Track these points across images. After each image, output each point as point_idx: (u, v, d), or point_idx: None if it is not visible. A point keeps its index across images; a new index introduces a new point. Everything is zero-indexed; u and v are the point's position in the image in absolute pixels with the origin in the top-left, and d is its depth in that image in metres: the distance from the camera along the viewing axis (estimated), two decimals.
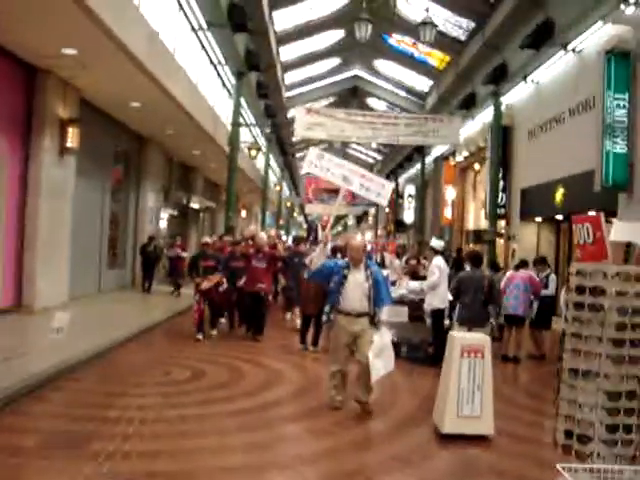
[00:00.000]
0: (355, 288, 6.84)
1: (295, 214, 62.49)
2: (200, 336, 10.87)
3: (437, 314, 9.94)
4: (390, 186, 8.01)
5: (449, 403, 6.12)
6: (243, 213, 41.22)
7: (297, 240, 14.89)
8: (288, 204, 49.82)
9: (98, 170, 15.83)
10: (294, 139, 28.41)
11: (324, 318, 7.17)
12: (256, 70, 18.14)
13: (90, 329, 10.36)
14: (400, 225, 37.51)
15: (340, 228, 67.88)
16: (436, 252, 10.27)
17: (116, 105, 14.43)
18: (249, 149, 21.21)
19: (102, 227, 16.54)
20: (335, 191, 37.41)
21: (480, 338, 6.38)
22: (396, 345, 8.86)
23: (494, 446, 5.97)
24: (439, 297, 9.86)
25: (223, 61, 18.90)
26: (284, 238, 37.82)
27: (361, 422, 6.67)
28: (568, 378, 3.66)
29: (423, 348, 10.45)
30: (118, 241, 18.35)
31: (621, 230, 6.39)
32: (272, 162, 39.64)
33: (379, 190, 7.64)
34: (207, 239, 12.10)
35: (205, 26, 15.67)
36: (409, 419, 6.87)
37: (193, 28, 15.62)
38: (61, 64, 10.94)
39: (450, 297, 9.79)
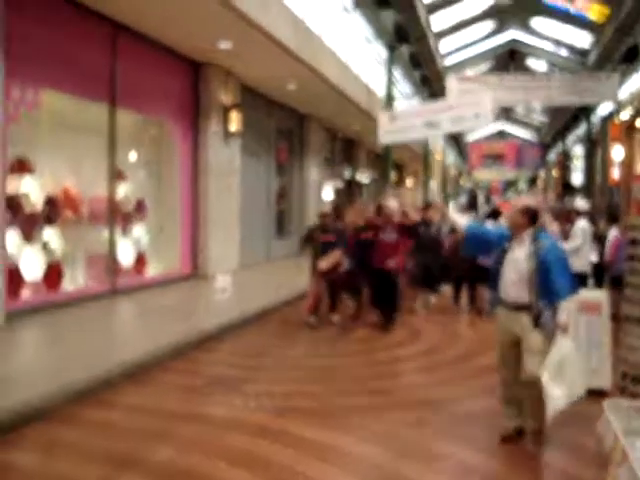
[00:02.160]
0: (510, 269, 4.88)
1: (462, 181, 61.72)
2: (312, 319, 9.35)
3: (579, 277, 9.96)
4: (487, 96, 6.36)
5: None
6: (409, 182, 41.73)
7: (425, 205, 12.55)
8: (453, 172, 49.48)
9: (262, 148, 17.15)
10: None
11: (487, 307, 5.76)
12: (406, 42, 18.54)
13: (254, 292, 11.61)
14: (568, 188, 36.11)
15: (510, 194, 66.18)
16: (579, 214, 10.25)
17: (274, 88, 15.57)
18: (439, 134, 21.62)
19: (269, 200, 17.89)
20: (499, 156, 36.65)
21: (597, 296, 6.55)
22: None
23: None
24: (582, 260, 9.86)
25: (373, 38, 19.49)
26: (452, 205, 37.68)
27: None
28: (624, 324, 4.00)
29: None
30: (285, 213, 19.70)
31: None
32: None
33: (475, 110, 6.21)
34: (326, 208, 10.68)
35: (351, 7, 16.38)
36: None
37: (341, 10, 16.37)
38: (219, 56, 12.21)
39: (594, 259, 9.75)
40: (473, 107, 6.07)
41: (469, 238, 5.40)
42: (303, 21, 13.21)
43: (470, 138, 51.37)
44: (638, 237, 3.94)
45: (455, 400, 6.14)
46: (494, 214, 11.06)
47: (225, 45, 11.35)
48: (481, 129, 52.32)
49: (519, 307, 4.82)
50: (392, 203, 9.88)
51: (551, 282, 4.60)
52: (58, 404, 5.53)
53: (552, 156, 44.58)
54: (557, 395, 4.38)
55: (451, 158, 49.47)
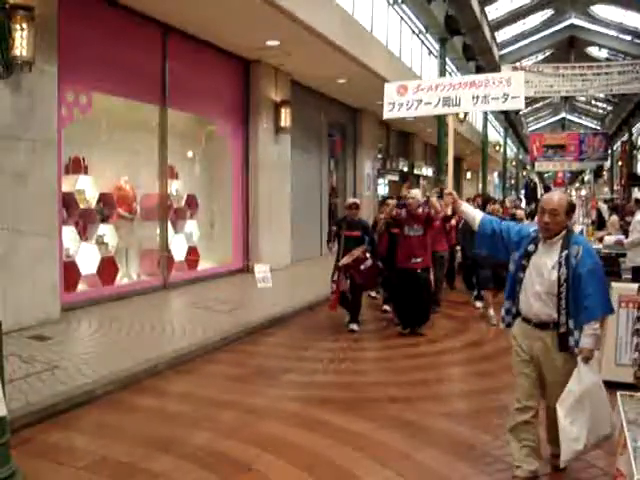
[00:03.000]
0: (535, 278, 4.07)
1: (525, 172, 60.59)
2: (355, 327, 8.79)
3: (638, 271, 9.70)
4: (519, 77, 5.35)
5: (607, 351, 6.36)
6: (468, 174, 41.36)
7: (485, 198, 12.45)
8: (514, 163, 48.68)
9: (314, 143, 17.31)
10: None
11: (503, 318, 4.40)
12: (458, 34, 18.40)
13: (303, 286, 11.81)
14: (635, 179, 34.97)
15: (578, 184, 64.62)
16: None
17: (324, 83, 15.71)
18: (456, 113, 21.43)
19: (321, 195, 18.06)
20: (560, 147, 35.90)
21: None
22: None
23: None
24: None
25: (424, 30, 19.42)
26: (512, 197, 37.01)
27: None
28: None
29: None
30: (338, 208, 19.84)
31: None
32: (494, 121, 39.15)
33: (504, 90, 5.11)
34: (353, 200, 9.36)
35: (399, 0, 16.38)
36: None
37: (389, 3, 16.38)
38: (268, 54, 12.42)
39: None
40: (502, 86, 5.13)
41: (483, 235, 4.51)
42: (351, 16, 13.31)
43: (531, 128, 50.49)
44: None
45: (491, 392, 6.19)
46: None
47: (273, 43, 11.56)
48: (544, 120, 51.64)
49: (543, 324, 4.04)
50: (415, 193, 8.96)
51: (584, 298, 3.82)
52: (108, 390, 5.89)
53: (617, 146, 43.38)
54: (575, 436, 3.70)
55: (512, 149, 48.74)
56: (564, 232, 4.01)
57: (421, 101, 5.32)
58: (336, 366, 7.08)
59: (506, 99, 5.12)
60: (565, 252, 3.93)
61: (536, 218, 4.27)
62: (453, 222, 10.80)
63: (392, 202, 9.27)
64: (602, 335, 4.44)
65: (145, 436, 4.94)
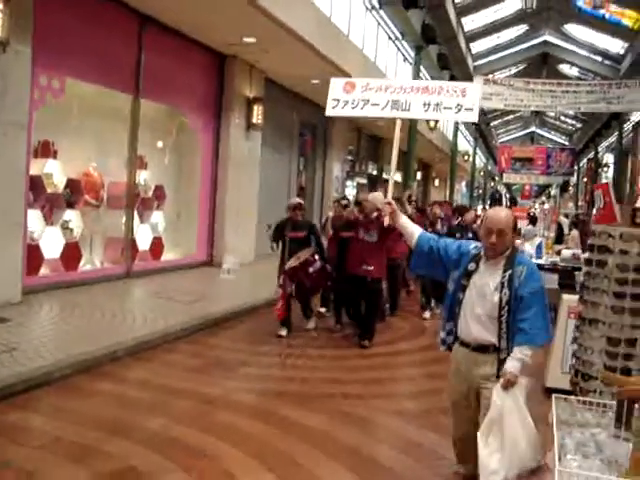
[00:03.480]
0: (475, 299, 3.75)
1: (493, 183, 61.43)
2: (284, 332, 8.25)
3: None
4: (475, 89, 4.92)
5: (554, 360, 6.64)
6: (436, 182, 41.83)
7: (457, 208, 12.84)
8: (482, 173, 49.36)
9: (284, 142, 17.42)
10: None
11: (439, 342, 4.10)
12: (434, 43, 18.65)
13: (265, 282, 11.90)
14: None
15: (544, 198, 65.71)
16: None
17: (298, 82, 15.82)
18: (427, 120, 21.75)
19: (289, 194, 18.13)
20: (528, 160, 36.46)
21: None
22: None
23: None
24: None
25: (400, 36, 19.68)
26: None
27: None
28: (580, 324, 4.28)
29: None
30: (306, 208, 19.94)
31: None
32: (465, 131, 39.67)
33: (459, 101, 4.66)
34: (297, 200, 9.03)
35: (377, 5, 16.60)
36: None
37: (367, 8, 16.60)
38: (244, 50, 12.52)
39: None
40: (457, 96, 4.63)
41: (420, 253, 4.05)
42: (328, 19, 13.46)
43: (501, 140, 51.25)
44: (594, 243, 4.20)
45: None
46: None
47: (250, 40, 11.66)
48: (514, 133, 52.45)
49: (482, 348, 3.70)
50: (373, 196, 8.28)
51: (523, 320, 3.54)
52: (66, 374, 5.96)
53: (583, 163, 44.29)
54: (493, 468, 3.37)
55: (481, 160, 49.43)
56: (508, 251, 3.72)
57: (368, 101, 4.80)
58: (292, 361, 7.24)
59: (459, 110, 4.69)
60: (509, 272, 3.62)
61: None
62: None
63: (344, 203, 9.70)
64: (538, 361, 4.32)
65: (101, 420, 5.03)
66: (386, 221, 4.23)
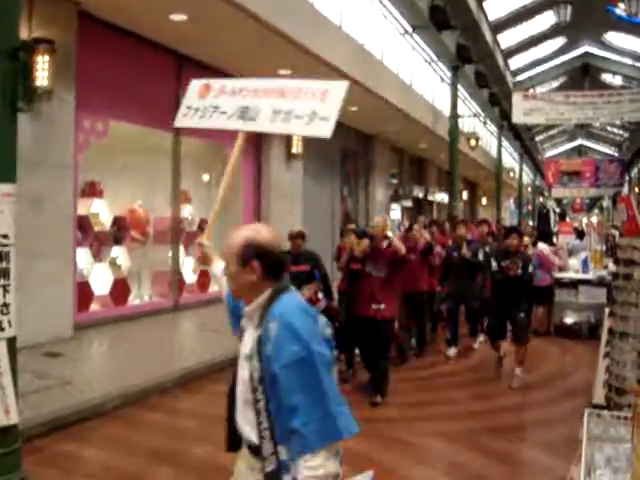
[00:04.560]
0: (238, 375, 2.39)
1: (542, 199, 60.55)
2: None
3: None
4: (339, 89, 3.55)
5: (599, 375, 6.51)
6: (484, 200, 41.41)
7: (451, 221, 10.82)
8: (529, 189, 48.66)
9: (326, 170, 17.56)
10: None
11: None
12: (469, 63, 18.68)
13: None
14: None
15: (597, 211, 64.38)
16: None
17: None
18: (467, 139, 21.73)
19: (333, 222, 18.25)
20: (576, 173, 35.88)
21: None
22: None
23: None
24: None
25: (436, 58, 19.76)
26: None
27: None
28: (611, 339, 4.23)
29: None
30: None
31: None
32: (509, 148, 39.34)
33: (314, 107, 3.36)
34: (297, 229, 7.91)
35: (410, 30, 16.73)
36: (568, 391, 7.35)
37: (400, 33, 16.73)
38: None
39: None
40: (315, 101, 3.32)
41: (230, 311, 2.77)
42: (362, 46, 13.65)
43: (548, 154, 50.59)
44: (621, 256, 4.16)
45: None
46: (543, 236, 11.08)
47: (285, 72, 11.89)
48: (561, 146, 51.76)
49: (253, 451, 2.32)
50: (378, 221, 7.26)
51: (296, 414, 2.09)
52: (117, 405, 6.15)
53: (635, 172, 43.34)
54: None
55: (529, 175, 48.82)
56: (264, 296, 2.32)
57: (217, 108, 3.60)
58: None
59: (312, 120, 3.30)
60: (259, 332, 2.25)
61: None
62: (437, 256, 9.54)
63: (352, 228, 8.47)
64: None
65: (150, 449, 5.17)
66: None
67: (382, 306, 6.70)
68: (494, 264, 7.77)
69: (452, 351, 9.05)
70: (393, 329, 7.40)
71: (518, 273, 7.47)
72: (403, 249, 6.77)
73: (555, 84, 32.91)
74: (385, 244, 6.82)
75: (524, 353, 7.57)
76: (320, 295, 7.15)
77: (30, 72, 4.32)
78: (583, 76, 30.44)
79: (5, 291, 3.70)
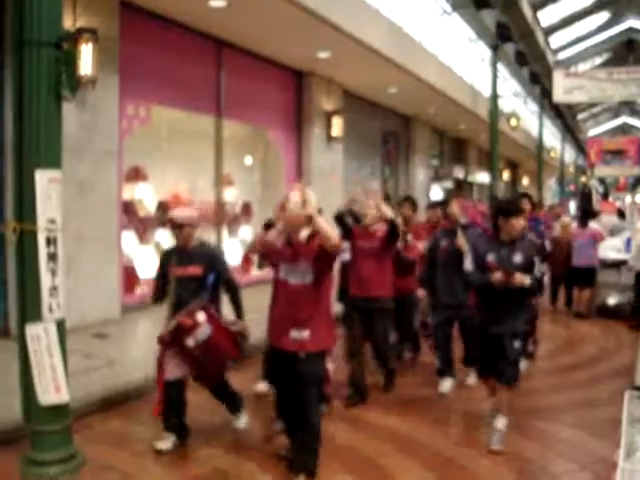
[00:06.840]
0: None
1: (584, 178, 59.46)
2: (164, 445, 4.85)
3: None
4: None
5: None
6: (525, 181, 40.91)
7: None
8: (571, 169, 47.77)
9: (367, 151, 17.59)
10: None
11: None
12: (509, 41, 18.41)
13: None
14: None
15: None
16: None
17: (376, 92, 16.00)
18: (507, 119, 21.44)
19: None
20: (619, 151, 35.03)
21: None
22: None
23: None
24: None
25: (475, 38, 19.52)
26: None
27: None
28: None
29: None
30: None
31: None
32: (551, 127, 38.63)
33: None
34: (184, 211, 5.24)
35: (450, 10, 16.56)
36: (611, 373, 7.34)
37: (440, 14, 16.57)
38: (320, 65, 12.82)
39: None
40: None
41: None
42: (400, 28, 13.57)
43: (591, 132, 49.57)
44: None
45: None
46: (586, 214, 10.98)
47: (324, 55, 11.94)
48: (604, 125, 50.59)
49: None
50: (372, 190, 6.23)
51: None
52: None
53: None
54: None
55: (570, 155, 47.93)
56: None
57: None
58: None
59: None
60: None
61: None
62: (419, 245, 7.05)
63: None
64: None
65: (193, 426, 5.33)
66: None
67: (305, 333, 4.33)
68: (470, 266, 5.17)
69: (446, 385, 6.46)
70: (323, 368, 4.57)
71: (517, 283, 4.90)
72: (334, 237, 4.24)
73: (598, 61, 32.16)
74: (305, 234, 4.41)
75: (508, 399, 5.19)
76: (200, 317, 4.70)
77: (74, 61, 4.43)
78: (628, 52, 29.68)
79: (54, 274, 3.85)
